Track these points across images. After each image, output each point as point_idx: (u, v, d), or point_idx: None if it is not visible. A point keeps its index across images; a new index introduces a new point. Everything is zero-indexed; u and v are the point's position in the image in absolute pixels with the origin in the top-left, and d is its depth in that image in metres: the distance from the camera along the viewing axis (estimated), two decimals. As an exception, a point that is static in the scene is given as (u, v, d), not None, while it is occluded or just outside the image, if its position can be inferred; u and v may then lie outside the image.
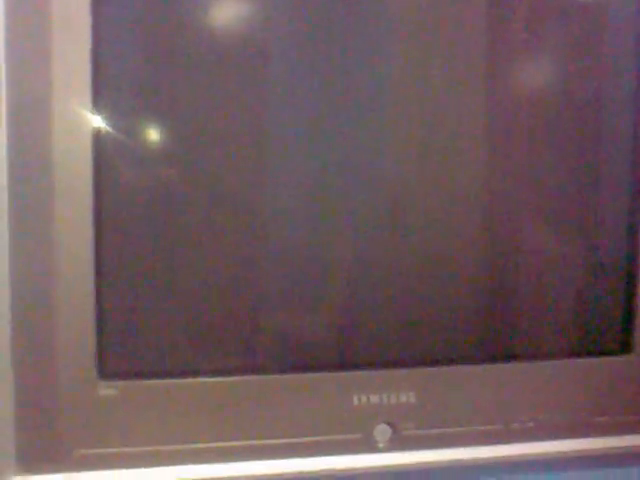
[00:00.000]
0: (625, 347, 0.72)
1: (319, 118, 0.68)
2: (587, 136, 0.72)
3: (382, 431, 0.68)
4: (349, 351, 0.69)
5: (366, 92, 0.69)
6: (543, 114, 0.72)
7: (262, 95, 0.68)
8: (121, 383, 0.64)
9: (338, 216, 0.69)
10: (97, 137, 0.63)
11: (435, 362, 0.69)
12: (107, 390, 0.63)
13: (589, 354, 0.72)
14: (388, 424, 0.68)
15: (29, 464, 0.63)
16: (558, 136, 0.72)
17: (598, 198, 0.73)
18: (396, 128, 0.70)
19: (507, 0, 0.70)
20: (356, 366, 0.68)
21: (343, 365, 0.68)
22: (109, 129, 0.64)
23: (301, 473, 0.68)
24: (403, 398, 0.68)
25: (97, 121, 0.63)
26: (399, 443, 0.69)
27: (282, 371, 0.67)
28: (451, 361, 0.70)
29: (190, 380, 0.65)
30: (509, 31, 0.71)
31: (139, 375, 0.65)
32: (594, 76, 0.72)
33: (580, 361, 0.72)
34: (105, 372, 0.63)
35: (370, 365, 0.68)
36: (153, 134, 0.67)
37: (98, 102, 0.63)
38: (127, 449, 0.65)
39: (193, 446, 0.66)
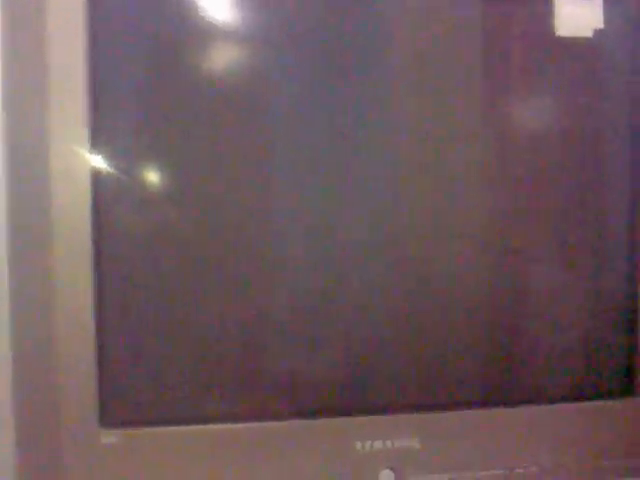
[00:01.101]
0: (629, 390, 0.72)
1: (322, 161, 0.68)
2: (588, 180, 0.73)
3: (386, 476, 0.68)
4: (352, 397, 0.69)
5: (371, 138, 0.69)
6: (548, 161, 0.72)
7: (264, 137, 0.67)
8: (123, 431, 0.63)
9: (341, 266, 0.69)
10: (96, 178, 0.63)
11: (438, 407, 0.69)
12: (109, 438, 0.63)
13: (593, 398, 0.72)
14: (392, 469, 0.68)
15: (31, 512, 0.63)
16: (561, 181, 0.72)
17: (600, 242, 0.73)
18: (402, 174, 0.70)
19: (507, 38, 0.70)
20: (359, 412, 0.68)
21: (346, 411, 0.68)
22: (108, 170, 0.64)
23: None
24: (407, 443, 0.68)
25: (95, 162, 0.63)
26: (403, 489, 0.69)
27: (285, 417, 0.67)
28: (454, 406, 0.69)
29: (192, 427, 0.65)
30: (509, 64, 0.71)
31: (141, 423, 0.64)
32: (593, 108, 0.72)
33: (584, 405, 0.72)
34: (107, 420, 0.63)
35: (373, 411, 0.68)
36: (152, 175, 0.66)
37: (96, 143, 0.62)
38: (129, 497, 0.64)
39: (195, 493, 0.65)
